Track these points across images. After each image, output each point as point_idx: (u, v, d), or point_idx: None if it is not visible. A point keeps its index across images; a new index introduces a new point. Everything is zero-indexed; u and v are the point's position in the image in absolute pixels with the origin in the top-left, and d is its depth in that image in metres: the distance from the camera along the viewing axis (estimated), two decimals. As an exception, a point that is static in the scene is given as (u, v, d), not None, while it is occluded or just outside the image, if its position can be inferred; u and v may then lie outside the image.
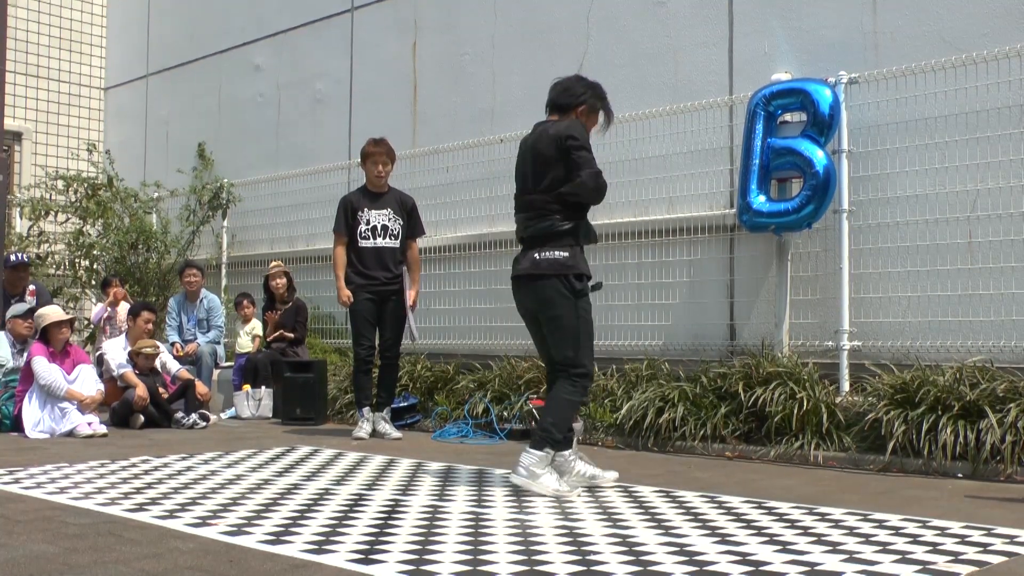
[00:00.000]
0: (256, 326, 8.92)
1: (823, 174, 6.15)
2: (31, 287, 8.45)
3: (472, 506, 3.99)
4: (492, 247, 8.22)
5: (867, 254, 6.34)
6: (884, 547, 3.24)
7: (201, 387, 7.81)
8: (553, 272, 4.36)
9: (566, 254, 4.37)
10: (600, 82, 4.67)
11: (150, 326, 7.92)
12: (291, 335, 8.48)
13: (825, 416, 5.55)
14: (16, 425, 6.87)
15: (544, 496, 4.22)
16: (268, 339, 8.60)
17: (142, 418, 7.31)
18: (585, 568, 2.91)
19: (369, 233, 6.71)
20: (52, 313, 7.14)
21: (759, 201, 6.40)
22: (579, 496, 4.25)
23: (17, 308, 7.55)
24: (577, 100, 4.55)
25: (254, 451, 5.90)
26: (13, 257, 8.41)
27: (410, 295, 6.71)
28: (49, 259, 10.53)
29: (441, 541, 3.29)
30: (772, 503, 4.11)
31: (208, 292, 9.12)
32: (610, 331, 7.46)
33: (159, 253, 10.43)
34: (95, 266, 10.50)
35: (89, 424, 6.71)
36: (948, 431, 5.03)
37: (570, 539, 3.34)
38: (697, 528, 3.55)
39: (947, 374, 5.36)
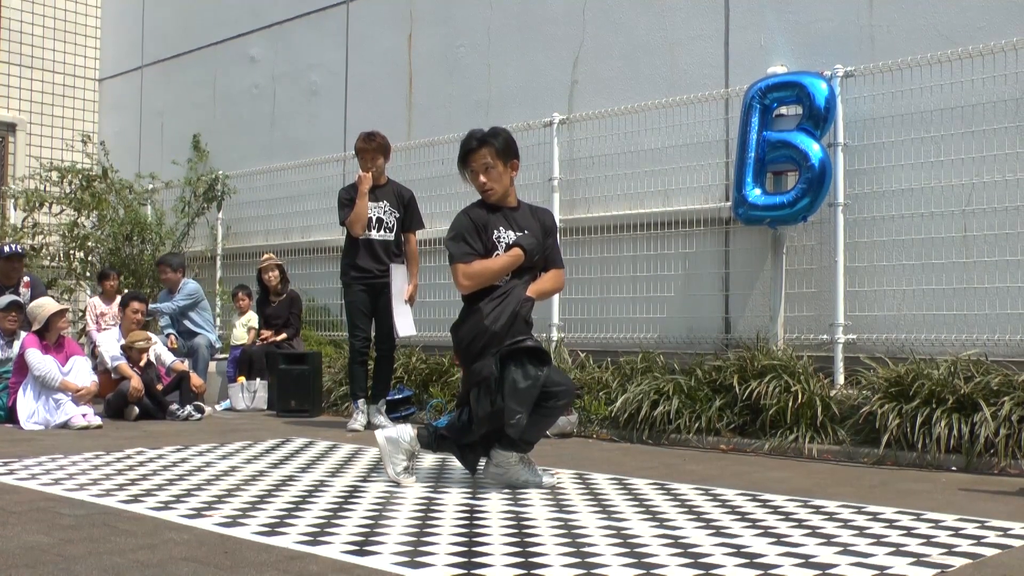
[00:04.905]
0: (252, 318, 8.91)
1: (818, 167, 6.15)
2: (26, 279, 8.40)
3: (467, 498, 3.99)
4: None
5: (862, 247, 6.35)
6: (878, 540, 3.25)
7: (196, 379, 7.80)
8: None
9: None
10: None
11: (139, 316, 7.89)
12: (278, 338, 8.48)
13: (820, 409, 5.56)
14: (11, 417, 6.86)
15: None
16: (260, 338, 8.59)
17: (137, 410, 7.30)
18: (580, 560, 2.91)
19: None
20: (50, 304, 7.14)
21: (754, 194, 6.40)
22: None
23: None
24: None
25: (249, 443, 5.89)
26: (8, 248, 8.37)
27: (408, 289, 6.68)
28: (44, 251, 10.49)
29: (436, 532, 3.30)
30: (766, 496, 4.12)
31: (188, 280, 9.03)
32: (605, 324, 7.47)
33: (154, 245, 10.40)
34: (90, 258, 10.47)
35: (84, 416, 6.71)
36: (942, 424, 5.04)
37: (565, 531, 3.34)
38: (692, 520, 3.55)
39: (942, 367, 5.37)
